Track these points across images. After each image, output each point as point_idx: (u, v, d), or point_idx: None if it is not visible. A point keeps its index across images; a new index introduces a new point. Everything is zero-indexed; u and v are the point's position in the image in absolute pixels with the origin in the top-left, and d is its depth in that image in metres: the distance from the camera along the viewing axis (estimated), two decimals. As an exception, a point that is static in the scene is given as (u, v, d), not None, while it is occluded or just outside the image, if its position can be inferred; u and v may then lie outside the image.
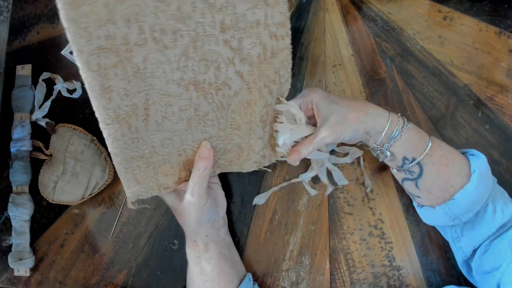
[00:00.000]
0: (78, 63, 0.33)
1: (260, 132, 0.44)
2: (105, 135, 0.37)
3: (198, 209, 0.42)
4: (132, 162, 0.40)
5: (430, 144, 0.41)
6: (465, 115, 0.51)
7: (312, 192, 0.50)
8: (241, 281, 0.46)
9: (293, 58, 0.54)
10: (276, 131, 0.45)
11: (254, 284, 0.48)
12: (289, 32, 0.40)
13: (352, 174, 0.51)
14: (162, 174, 0.42)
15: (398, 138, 0.41)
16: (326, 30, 0.55)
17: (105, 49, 0.34)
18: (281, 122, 0.44)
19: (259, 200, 0.51)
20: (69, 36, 0.32)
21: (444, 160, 0.41)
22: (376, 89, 0.53)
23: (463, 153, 0.44)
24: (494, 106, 0.51)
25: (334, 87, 0.53)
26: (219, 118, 0.42)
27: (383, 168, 0.50)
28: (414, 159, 0.41)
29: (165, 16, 0.35)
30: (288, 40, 0.41)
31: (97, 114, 0.36)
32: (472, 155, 0.43)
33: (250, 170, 0.46)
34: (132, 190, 0.41)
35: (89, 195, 0.51)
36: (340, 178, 0.50)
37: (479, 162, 0.41)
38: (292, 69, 0.54)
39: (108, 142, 0.38)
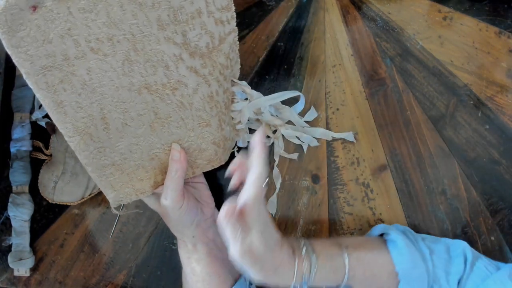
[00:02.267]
0: (29, 84, 0.35)
1: (227, 118, 0.44)
2: (71, 147, 0.38)
3: (174, 212, 0.41)
4: (104, 170, 0.40)
5: (347, 268, 0.39)
6: (465, 115, 0.51)
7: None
8: (235, 281, 0.46)
9: (293, 58, 0.55)
10: (235, 111, 0.45)
11: (251, 284, 0.47)
12: (234, 15, 0.39)
13: (352, 174, 0.51)
14: (137, 179, 0.42)
15: (311, 279, 0.38)
16: (326, 30, 0.55)
17: (48, 68, 0.35)
18: (238, 102, 0.45)
19: (273, 208, 0.51)
20: (14, 61, 0.34)
21: (369, 273, 0.40)
22: (376, 89, 0.53)
23: (381, 234, 0.43)
24: (494, 106, 0.51)
25: (334, 87, 0.53)
26: (183, 118, 0.41)
27: (383, 168, 0.50)
28: (338, 285, 0.39)
29: (96, 25, 0.35)
30: (234, 23, 0.40)
31: (59, 129, 0.37)
32: (391, 240, 0.41)
33: (227, 159, 0.46)
34: (111, 197, 0.42)
35: (89, 195, 0.51)
36: (281, 147, 0.50)
37: (401, 257, 0.40)
38: (292, 69, 0.54)
39: (76, 154, 0.39)
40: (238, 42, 0.41)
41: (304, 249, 0.39)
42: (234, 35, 0.41)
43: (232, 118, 0.45)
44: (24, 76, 0.35)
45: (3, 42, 0.33)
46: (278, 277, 0.37)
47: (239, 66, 0.43)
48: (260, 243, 0.35)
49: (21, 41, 0.33)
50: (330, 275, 0.39)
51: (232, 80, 0.43)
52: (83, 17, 0.34)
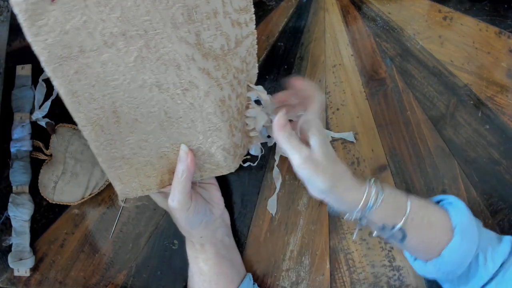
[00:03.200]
0: (46, 72, 0.36)
1: (239, 124, 0.43)
2: (84, 136, 0.39)
3: (181, 213, 0.41)
4: (113, 162, 0.41)
5: (409, 208, 0.39)
6: (465, 115, 0.51)
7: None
8: (241, 281, 0.46)
9: (293, 58, 0.55)
10: (249, 117, 0.44)
11: (254, 284, 0.48)
12: (254, 17, 0.38)
13: (352, 174, 0.51)
14: (145, 176, 0.42)
15: (373, 208, 0.38)
16: (326, 30, 0.55)
17: (64, 58, 0.35)
18: (253, 108, 0.44)
19: (273, 208, 0.51)
20: (33, 49, 0.34)
21: (426, 221, 0.39)
22: (376, 89, 0.53)
23: (440, 201, 0.43)
24: (494, 106, 0.51)
25: (334, 87, 0.53)
26: (193, 120, 0.40)
27: (383, 168, 0.50)
28: (394, 225, 0.39)
29: (110, 19, 0.35)
30: (252, 25, 0.39)
31: (73, 117, 0.38)
32: (450, 203, 0.41)
33: (237, 167, 0.45)
34: (118, 189, 0.42)
35: (89, 195, 0.51)
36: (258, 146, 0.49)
37: (459, 215, 0.39)
38: (292, 69, 0.54)
39: (88, 143, 0.40)
40: (256, 46, 0.40)
41: (373, 180, 0.40)
42: (252, 38, 0.40)
43: (246, 124, 0.45)
44: (42, 64, 0.35)
45: (24, 30, 0.33)
46: (344, 192, 0.38)
47: (257, 71, 0.42)
48: (320, 152, 0.36)
49: (40, 30, 0.33)
50: (392, 211, 0.39)
51: (248, 85, 0.42)
52: (98, 10, 0.34)
